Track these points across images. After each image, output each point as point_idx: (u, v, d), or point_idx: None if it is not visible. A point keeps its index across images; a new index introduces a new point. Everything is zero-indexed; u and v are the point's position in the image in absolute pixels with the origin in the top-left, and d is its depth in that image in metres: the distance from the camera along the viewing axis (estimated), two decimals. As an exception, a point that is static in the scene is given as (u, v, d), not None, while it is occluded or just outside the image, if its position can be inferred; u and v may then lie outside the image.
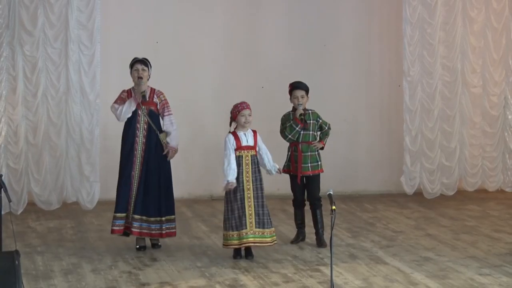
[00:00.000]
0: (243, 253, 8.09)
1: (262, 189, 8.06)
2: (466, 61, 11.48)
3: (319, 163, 8.70)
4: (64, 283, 7.22)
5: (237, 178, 7.98)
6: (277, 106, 11.20)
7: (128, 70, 8.51)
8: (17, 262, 5.89)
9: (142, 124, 8.41)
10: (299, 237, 8.78)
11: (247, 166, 8.04)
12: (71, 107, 10.19)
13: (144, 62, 8.46)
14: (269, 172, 8.23)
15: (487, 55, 11.57)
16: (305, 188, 8.71)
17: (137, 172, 8.37)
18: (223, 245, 8.12)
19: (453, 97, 11.46)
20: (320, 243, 8.63)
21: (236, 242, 7.99)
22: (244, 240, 7.96)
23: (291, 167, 8.67)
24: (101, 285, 7.17)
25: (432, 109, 11.35)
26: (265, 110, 11.02)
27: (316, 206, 8.68)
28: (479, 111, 11.65)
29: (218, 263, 7.93)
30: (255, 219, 7.98)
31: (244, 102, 8.11)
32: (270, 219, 8.07)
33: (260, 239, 8.01)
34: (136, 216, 8.35)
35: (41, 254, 8.29)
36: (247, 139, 8.09)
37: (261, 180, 8.07)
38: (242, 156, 8.05)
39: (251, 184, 8.02)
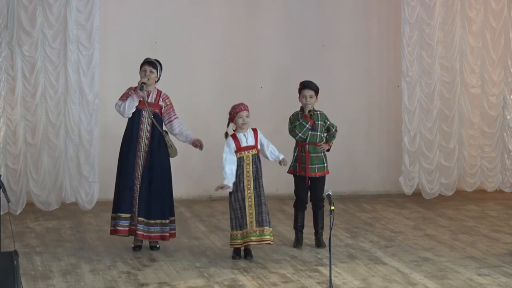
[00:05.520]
0: (242, 254, 8.10)
1: (262, 187, 8.06)
2: (464, 61, 11.48)
3: (325, 164, 8.64)
4: (62, 284, 7.21)
5: (238, 178, 7.99)
6: (276, 107, 11.25)
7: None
8: (15, 263, 5.89)
9: (145, 126, 8.34)
10: (300, 241, 8.66)
11: (248, 166, 8.04)
12: (69, 108, 10.17)
13: (153, 63, 8.40)
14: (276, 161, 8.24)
15: (486, 56, 11.56)
16: (309, 189, 8.66)
17: (140, 173, 8.32)
18: (230, 244, 8.15)
19: (451, 98, 11.46)
20: (319, 243, 8.63)
21: (240, 241, 8.03)
22: (246, 239, 7.99)
23: (297, 167, 8.58)
24: (99, 286, 7.16)
25: (431, 110, 11.35)
26: (264, 110, 11.03)
27: (318, 207, 8.65)
28: (477, 112, 11.65)
29: (217, 263, 7.93)
30: (255, 218, 7.99)
31: (242, 104, 8.09)
32: (269, 218, 8.06)
33: (261, 238, 8.01)
34: (140, 219, 8.32)
35: (40, 254, 8.28)
36: (247, 139, 8.07)
37: (261, 178, 8.07)
38: (243, 157, 8.04)
39: (251, 184, 8.03)
